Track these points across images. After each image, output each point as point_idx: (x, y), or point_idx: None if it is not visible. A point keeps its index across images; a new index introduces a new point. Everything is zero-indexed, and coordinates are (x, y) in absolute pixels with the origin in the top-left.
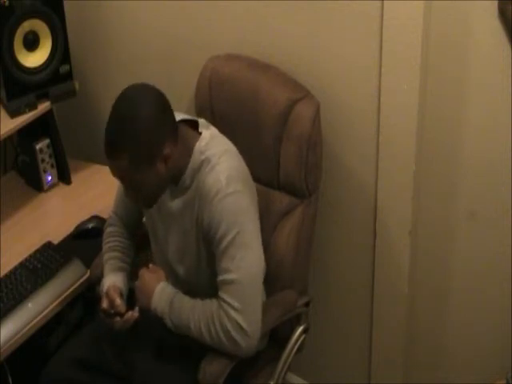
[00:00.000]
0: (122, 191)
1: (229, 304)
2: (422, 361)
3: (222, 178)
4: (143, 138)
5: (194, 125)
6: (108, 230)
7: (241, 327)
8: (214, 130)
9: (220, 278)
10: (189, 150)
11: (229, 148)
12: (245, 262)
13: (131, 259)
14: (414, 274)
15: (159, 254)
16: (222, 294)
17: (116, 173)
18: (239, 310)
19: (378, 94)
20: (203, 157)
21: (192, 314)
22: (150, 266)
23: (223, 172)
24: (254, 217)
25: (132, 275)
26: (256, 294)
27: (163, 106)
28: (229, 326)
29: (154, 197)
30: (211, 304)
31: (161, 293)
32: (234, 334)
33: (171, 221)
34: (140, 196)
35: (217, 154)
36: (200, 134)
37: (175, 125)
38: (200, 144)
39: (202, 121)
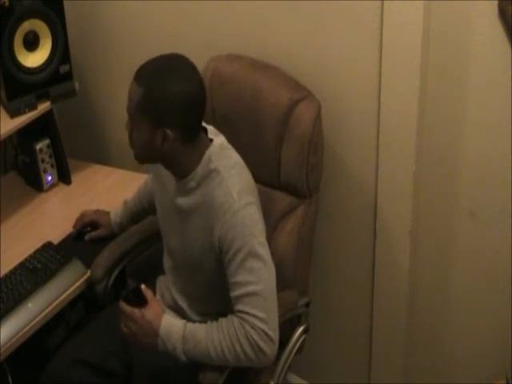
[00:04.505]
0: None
1: (254, 316)
2: (422, 361)
3: (233, 192)
4: (165, 98)
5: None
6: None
7: (267, 335)
8: (223, 139)
9: (239, 291)
10: (198, 154)
11: (238, 161)
12: (263, 271)
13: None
14: (414, 273)
15: (166, 247)
16: (243, 308)
17: (128, 99)
18: (264, 320)
19: (378, 94)
20: (213, 166)
21: (210, 341)
22: (143, 286)
23: (234, 186)
24: (263, 228)
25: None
26: (275, 299)
27: (199, 104)
28: (256, 337)
29: (137, 152)
30: (229, 322)
31: (169, 331)
32: (261, 344)
33: (174, 217)
34: (130, 140)
35: (227, 167)
36: (211, 140)
37: (195, 126)
38: (210, 152)
39: (210, 128)
